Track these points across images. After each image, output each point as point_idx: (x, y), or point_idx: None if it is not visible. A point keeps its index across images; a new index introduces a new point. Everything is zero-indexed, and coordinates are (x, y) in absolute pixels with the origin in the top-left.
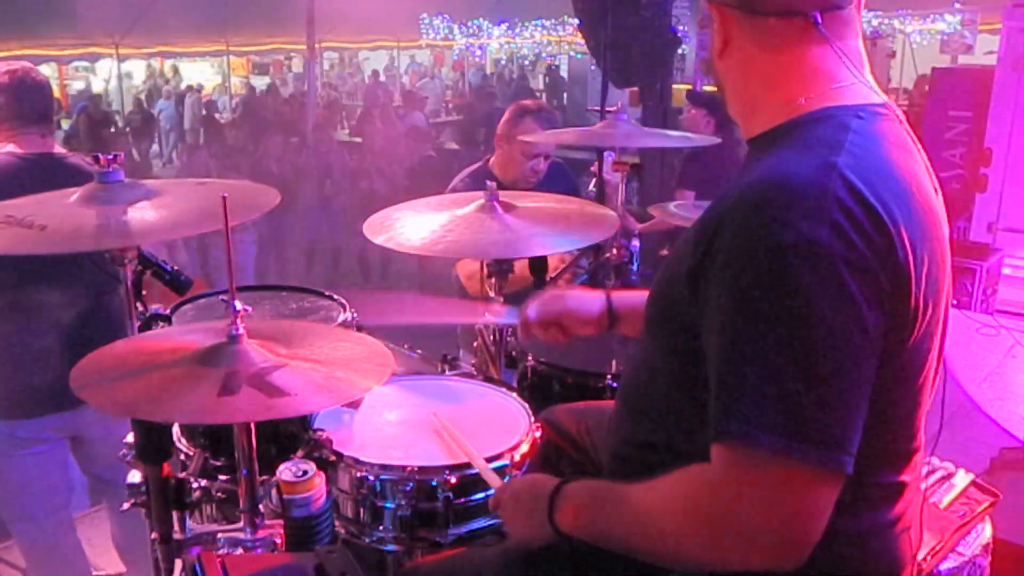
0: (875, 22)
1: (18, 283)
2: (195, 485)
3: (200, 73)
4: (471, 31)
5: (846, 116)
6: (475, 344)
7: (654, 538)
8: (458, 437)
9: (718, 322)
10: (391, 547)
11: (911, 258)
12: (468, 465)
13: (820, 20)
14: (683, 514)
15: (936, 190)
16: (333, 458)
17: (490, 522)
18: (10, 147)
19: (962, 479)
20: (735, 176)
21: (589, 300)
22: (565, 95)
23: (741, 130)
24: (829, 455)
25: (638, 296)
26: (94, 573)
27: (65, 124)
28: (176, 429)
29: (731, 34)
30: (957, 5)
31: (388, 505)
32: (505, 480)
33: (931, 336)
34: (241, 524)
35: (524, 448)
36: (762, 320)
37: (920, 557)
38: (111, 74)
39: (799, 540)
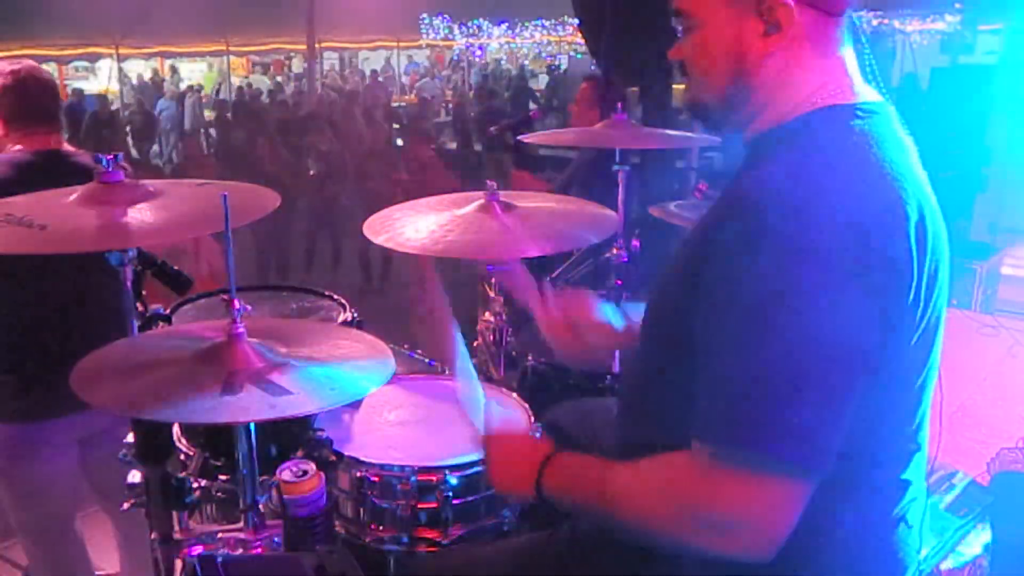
0: (875, 22)
1: (31, 279)
2: (195, 485)
3: (199, 73)
4: (471, 31)
5: (852, 114)
6: (475, 344)
7: (630, 514)
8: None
9: (712, 322)
10: (391, 547)
11: (918, 261)
12: (468, 465)
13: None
14: (660, 496)
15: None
16: (333, 458)
17: (491, 524)
18: (18, 147)
19: (962, 479)
20: (736, 174)
21: (614, 313)
22: (564, 95)
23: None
24: (809, 462)
25: None
26: (96, 574)
27: None
28: (176, 429)
29: (790, 27)
30: (957, 5)
31: (388, 505)
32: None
33: (932, 335)
34: (241, 524)
35: None
36: (760, 323)
37: (920, 557)
38: (111, 74)
39: (771, 535)
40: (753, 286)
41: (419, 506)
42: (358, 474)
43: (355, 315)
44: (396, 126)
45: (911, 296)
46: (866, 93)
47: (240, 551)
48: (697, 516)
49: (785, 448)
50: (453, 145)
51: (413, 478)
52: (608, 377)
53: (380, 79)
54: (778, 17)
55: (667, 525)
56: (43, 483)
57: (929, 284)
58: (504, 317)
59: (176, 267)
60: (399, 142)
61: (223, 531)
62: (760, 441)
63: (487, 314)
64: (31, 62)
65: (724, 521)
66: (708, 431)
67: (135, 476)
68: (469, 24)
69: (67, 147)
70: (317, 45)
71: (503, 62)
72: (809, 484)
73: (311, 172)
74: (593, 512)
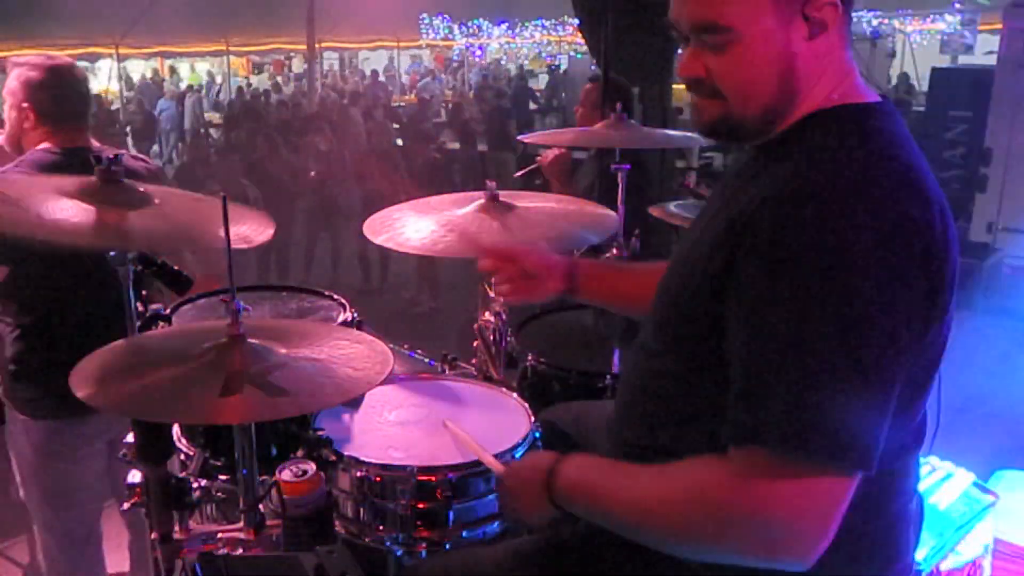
0: (875, 22)
1: (59, 278)
2: (195, 485)
3: (197, 73)
4: (471, 31)
5: (871, 114)
6: (475, 344)
7: (658, 522)
8: (461, 433)
9: (754, 322)
10: (391, 547)
11: (949, 255)
12: (469, 465)
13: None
14: (697, 504)
15: None
16: (333, 458)
17: (491, 524)
18: (45, 145)
19: (962, 479)
20: (744, 173)
21: (553, 254)
22: (564, 95)
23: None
24: (860, 463)
25: (600, 265)
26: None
27: None
28: (176, 429)
29: (833, 25)
30: (957, 5)
31: (388, 505)
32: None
33: (947, 334)
34: (241, 524)
35: (524, 448)
36: (810, 322)
37: (920, 557)
38: (111, 74)
39: (821, 538)
40: (806, 286)
41: (419, 506)
42: (358, 474)
43: (355, 315)
44: (396, 126)
45: (945, 293)
46: (872, 91)
47: (240, 551)
48: (741, 522)
49: (850, 446)
50: (455, 145)
51: (413, 478)
52: (608, 377)
53: (382, 79)
54: (825, 17)
55: (700, 533)
56: (74, 484)
57: (952, 283)
58: (504, 317)
59: (176, 267)
60: (399, 142)
61: (223, 531)
62: (828, 438)
63: (487, 314)
64: (67, 58)
65: (772, 526)
66: (764, 432)
67: (135, 476)
68: (469, 24)
69: (95, 144)
70: (317, 45)
71: (503, 62)
72: (857, 481)
73: (312, 173)
74: (610, 518)
